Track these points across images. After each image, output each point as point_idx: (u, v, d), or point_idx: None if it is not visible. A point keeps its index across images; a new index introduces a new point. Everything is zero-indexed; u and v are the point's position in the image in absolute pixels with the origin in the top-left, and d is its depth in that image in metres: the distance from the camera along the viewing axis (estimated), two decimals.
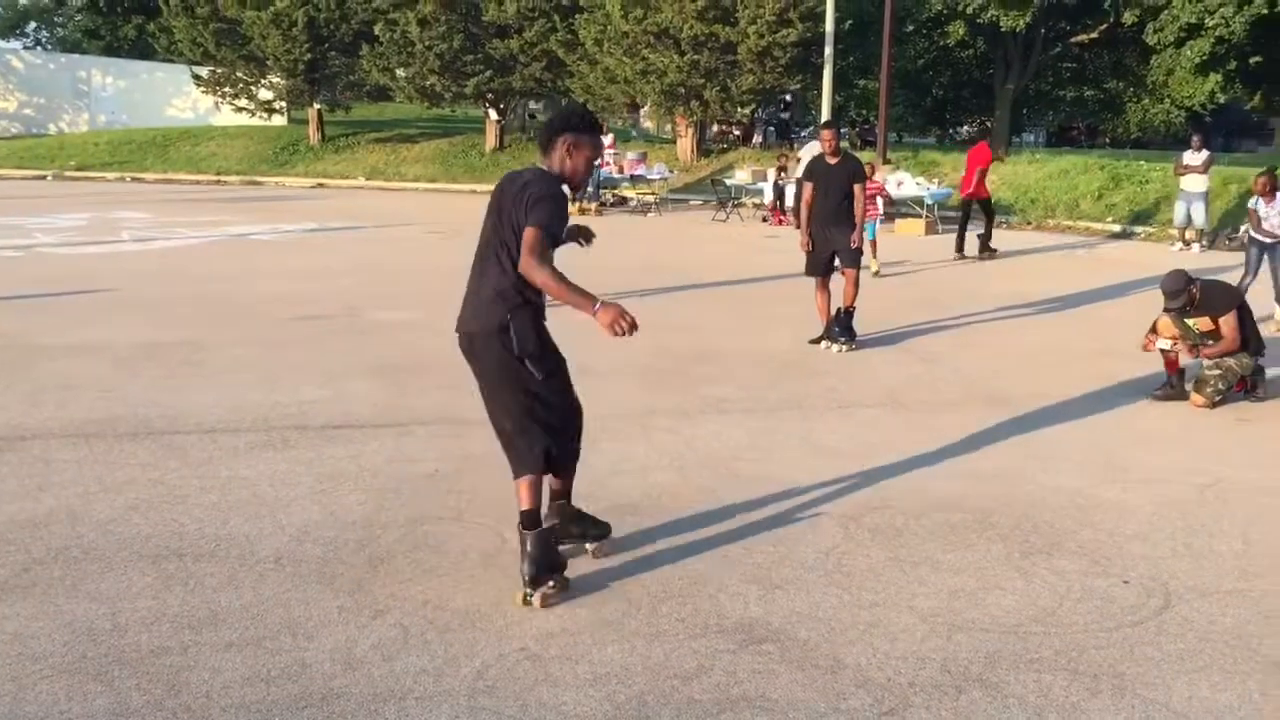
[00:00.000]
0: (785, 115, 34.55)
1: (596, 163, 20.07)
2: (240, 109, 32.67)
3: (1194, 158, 16.99)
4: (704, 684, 3.60)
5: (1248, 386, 7.49)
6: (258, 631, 3.89)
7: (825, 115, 24.69)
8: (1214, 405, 7.27)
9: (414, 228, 18.90)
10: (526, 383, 4.21)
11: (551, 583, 4.17)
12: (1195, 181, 16.89)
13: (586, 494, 4.92)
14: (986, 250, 15.72)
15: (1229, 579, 4.52)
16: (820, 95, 26.72)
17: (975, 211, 16.19)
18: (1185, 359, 7.50)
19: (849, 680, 3.64)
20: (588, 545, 4.60)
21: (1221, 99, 38.36)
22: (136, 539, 4.73)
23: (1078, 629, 4.04)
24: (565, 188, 4.28)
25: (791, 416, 7.02)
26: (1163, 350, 7.45)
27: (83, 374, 7.76)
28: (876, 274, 13.35)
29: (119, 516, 4.99)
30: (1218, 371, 7.30)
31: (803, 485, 5.60)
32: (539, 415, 4.24)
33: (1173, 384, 7.51)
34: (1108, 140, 51.29)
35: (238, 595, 4.18)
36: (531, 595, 4.13)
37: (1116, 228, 19.54)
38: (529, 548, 4.15)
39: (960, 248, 15.68)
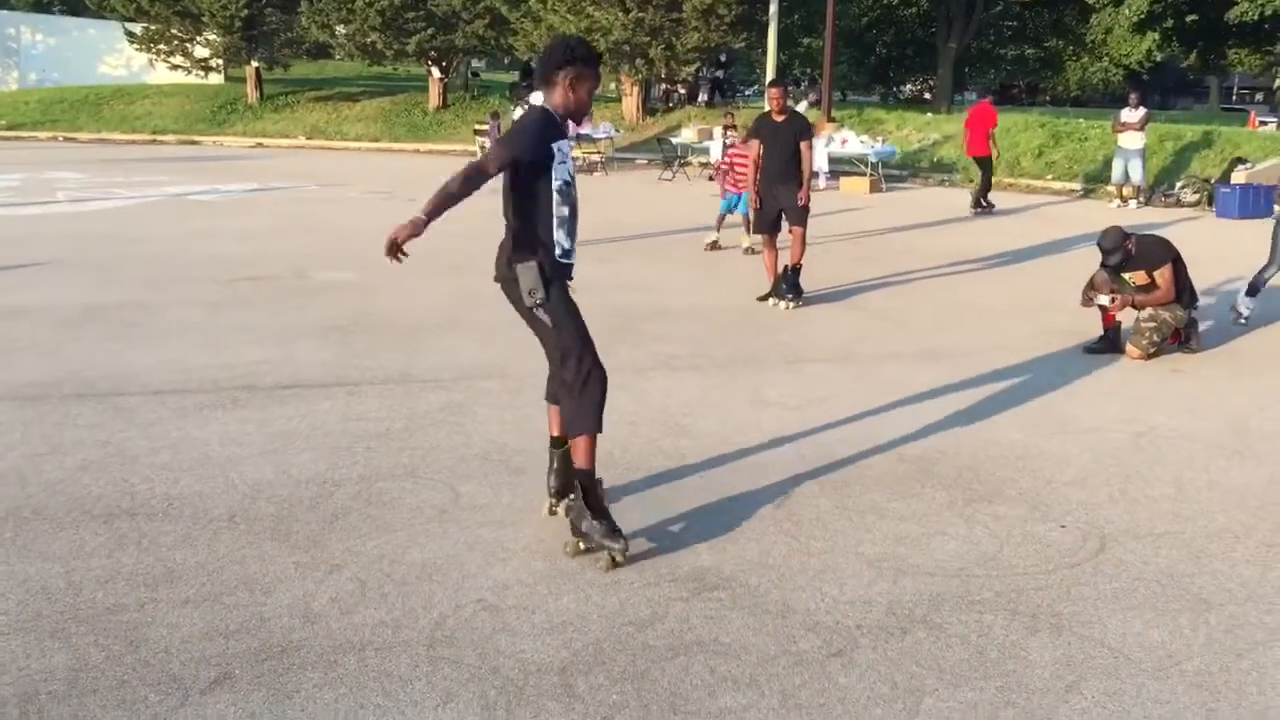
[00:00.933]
0: (720, 74, 34.48)
1: None
2: (176, 67, 32.03)
3: (1131, 115, 17.26)
4: (658, 630, 3.69)
5: (1181, 338, 7.69)
6: (214, 588, 3.91)
7: (770, 73, 24.71)
8: (1149, 357, 7.46)
9: (356, 188, 18.71)
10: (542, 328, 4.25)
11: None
12: (1132, 139, 17.17)
13: (537, 448, 4.97)
14: (981, 205, 16.40)
15: (1162, 522, 4.68)
16: (764, 53, 26.73)
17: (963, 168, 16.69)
18: (1121, 316, 7.68)
19: (798, 624, 3.75)
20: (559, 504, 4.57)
21: (1159, 57, 38.93)
22: (87, 499, 4.71)
23: (1017, 572, 4.18)
24: (558, 117, 4.24)
25: (740, 372, 7.11)
26: (1101, 306, 7.62)
27: (23, 336, 7.65)
28: (748, 250, 11.83)
29: (68, 477, 4.97)
30: (1153, 324, 7.49)
31: (752, 438, 5.69)
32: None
33: (1109, 337, 7.70)
34: (1048, 98, 51.83)
35: (193, 553, 4.20)
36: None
37: (1056, 185, 19.82)
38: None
39: (977, 203, 16.48)
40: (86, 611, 3.72)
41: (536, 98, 18.28)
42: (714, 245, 12.14)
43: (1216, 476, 5.26)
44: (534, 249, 4.19)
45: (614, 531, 4.15)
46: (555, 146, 4.17)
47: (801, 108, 18.38)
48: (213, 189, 18.03)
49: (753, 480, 5.11)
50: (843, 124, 23.31)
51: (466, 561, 4.18)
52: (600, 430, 4.24)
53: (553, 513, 4.55)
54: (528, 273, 4.15)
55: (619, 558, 4.13)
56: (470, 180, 3.99)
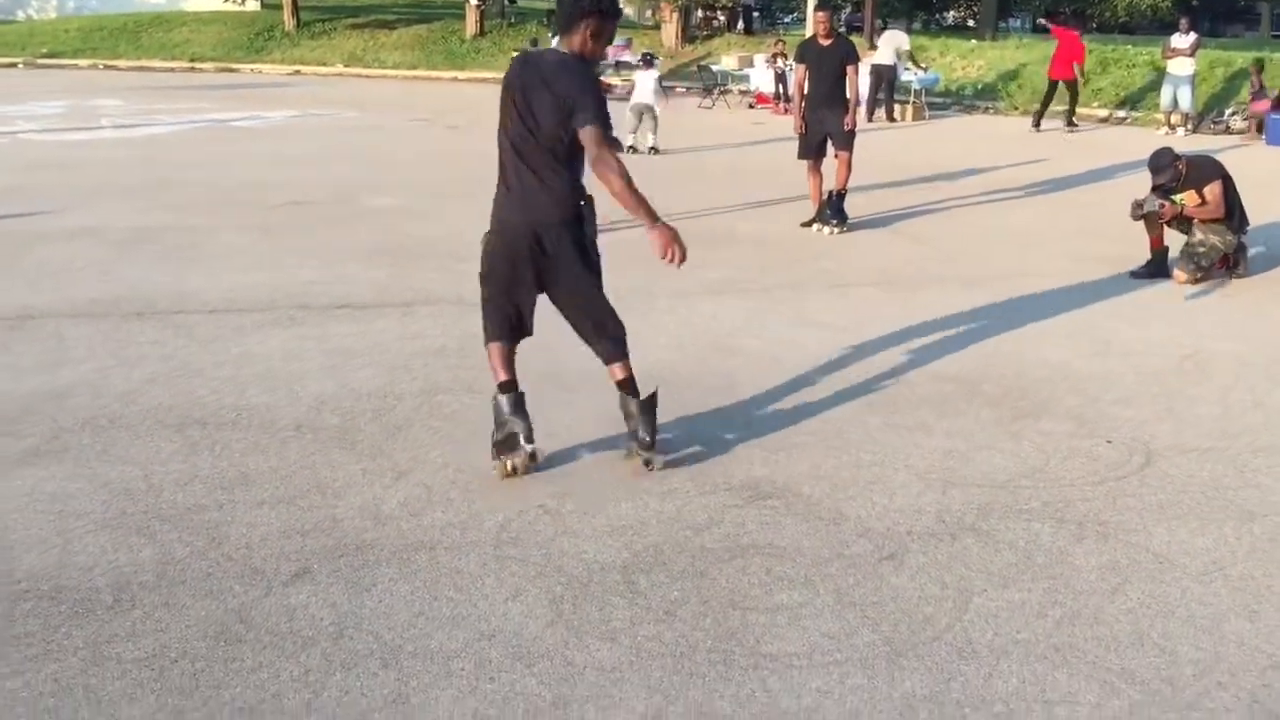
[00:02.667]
0: (749, 2, 33.96)
1: None
2: None
3: (1181, 41, 16.96)
4: (715, 534, 3.82)
5: (1230, 263, 7.67)
6: (288, 491, 4.08)
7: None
8: (1196, 281, 7.46)
9: (396, 115, 18.74)
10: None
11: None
12: (1182, 65, 16.89)
13: (589, 367, 5.06)
14: (1070, 124, 17.42)
15: (1207, 438, 4.75)
16: None
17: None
18: (1170, 230, 7.64)
19: (851, 530, 3.87)
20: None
21: None
22: (158, 409, 4.89)
23: (1064, 484, 4.28)
24: None
25: (785, 296, 7.18)
26: (1150, 213, 7.53)
27: (81, 257, 7.82)
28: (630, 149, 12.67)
29: (138, 389, 5.14)
30: (1202, 249, 7.48)
31: (798, 359, 5.78)
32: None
33: (1156, 261, 7.69)
34: (1094, 25, 50.72)
35: (264, 459, 4.36)
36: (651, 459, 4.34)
37: (1103, 112, 19.54)
38: (645, 413, 4.30)
39: (1038, 123, 17.33)
40: (168, 511, 3.89)
41: None
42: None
43: (1262, 397, 5.31)
44: (581, 188, 4.20)
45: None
46: None
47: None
48: (254, 115, 18.11)
49: (800, 398, 5.21)
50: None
51: (525, 471, 4.32)
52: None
53: (533, 459, 4.29)
54: (593, 208, 4.20)
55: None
56: (631, 181, 4.02)
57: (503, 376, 4.31)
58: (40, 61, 29.66)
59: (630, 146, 13.42)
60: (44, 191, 10.47)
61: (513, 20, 33.04)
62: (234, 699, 2.87)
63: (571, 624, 3.24)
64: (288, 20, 31.96)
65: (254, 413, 4.87)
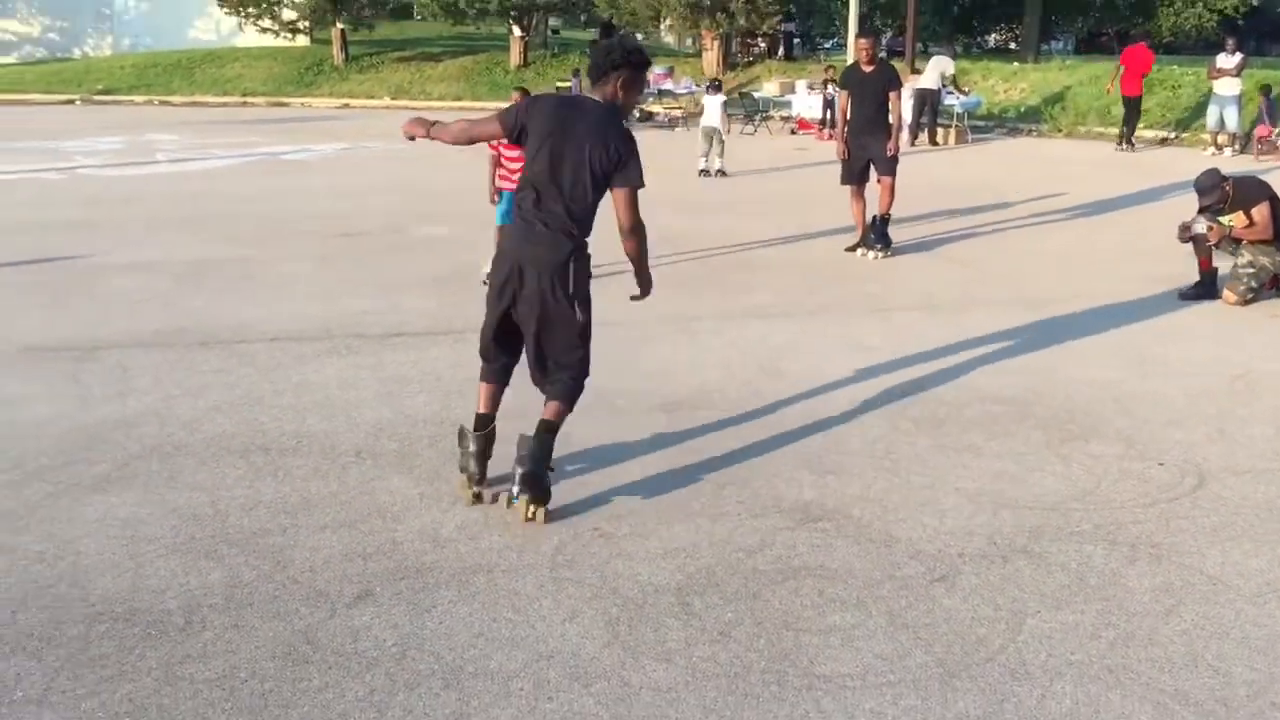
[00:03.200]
0: (792, 28, 34.02)
1: None
2: (264, 30, 32.56)
3: (1227, 61, 16.84)
4: (766, 556, 3.88)
5: (1279, 284, 7.63)
6: (349, 515, 4.18)
7: (852, 24, 24.46)
8: (1246, 303, 7.42)
9: (443, 146, 18.98)
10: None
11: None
12: (1229, 85, 16.76)
13: (638, 390, 5.16)
14: (1127, 143, 17.58)
15: (1261, 460, 4.75)
16: (845, 5, 26.42)
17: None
18: (1217, 261, 7.62)
19: (902, 552, 3.91)
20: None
21: (1255, 1, 37.62)
22: (222, 436, 5.02)
23: (1115, 506, 4.29)
24: None
25: (831, 319, 7.23)
26: (1197, 235, 7.53)
27: (142, 289, 8.03)
28: None
29: (202, 417, 5.29)
30: (1251, 270, 7.45)
31: (846, 381, 5.83)
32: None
33: (1205, 283, 7.66)
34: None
35: (325, 484, 4.48)
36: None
37: (1149, 134, 19.41)
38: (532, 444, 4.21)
39: (1130, 140, 17.63)
40: (235, 535, 4.01)
41: None
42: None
43: None
44: (586, 240, 4.26)
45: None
46: None
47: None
48: (305, 149, 18.45)
49: (849, 420, 5.26)
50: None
51: (579, 495, 4.40)
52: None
53: (478, 500, 4.31)
54: (587, 263, 4.24)
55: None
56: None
57: (480, 409, 4.47)
58: (96, 98, 30.36)
59: (702, 170, 14.38)
60: (105, 225, 10.75)
61: (555, 51, 33.41)
62: (302, 718, 2.96)
63: (628, 645, 3.31)
64: (336, 55, 32.53)
65: (314, 439, 4.99)
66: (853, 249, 9.43)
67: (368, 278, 8.48)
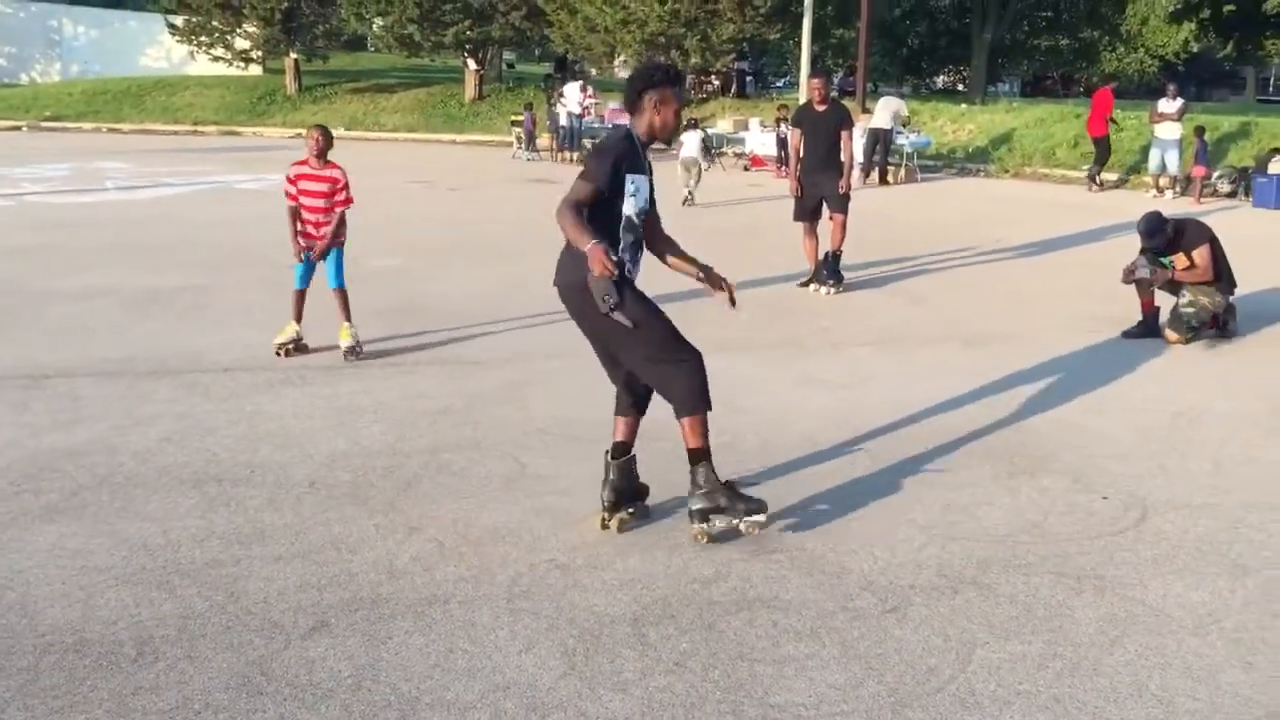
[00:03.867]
0: (744, 66, 34.47)
1: (576, 112, 20.18)
2: (216, 59, 32.42)
3: (1169, 106, 17.28)
4: (722, 588, 3.91)
5: (1219, 324, 7.83)
6: (303, 546, 4.17)
7: (805, 64, 24.85)
8: (1187, 341, 7.61)
9: (397, 177, 18.99)
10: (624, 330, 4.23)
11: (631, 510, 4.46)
12: (1170, 129, 17.20)
13: (596, 420, 5.18)
14: (1096, 181, 18.34)
15: (1201, 494, 4.86)
16: (798, 45, 26.84)
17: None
18: (1161, 292, 7.80)
19: (854, 583, 3.96)
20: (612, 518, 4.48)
21: (1195, 48, 38.69)
22: (174, 466, 4.98)
23: (1062, 538, 4.38)
24: (640, 144, 4.34)
25: (787, 354, 7.31)
26: (1141, 280, 7.72)
27: (94, 317, 7.96)
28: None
29: (153, 447, 5.24)
30: (1191, 310, 7.64)
31: (800, 416, 5.90)
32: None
33: (1148, 323, 7.84)
34: (1082, 90, 51.49)
35: (279, 515, 4.46)
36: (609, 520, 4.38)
37: (1105, 175, 19.82)
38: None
39: (1097, 178, 18.40)
40: (187, 566, 3.98)
41: (570, 89, 18.82)
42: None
43: (1253, 453, 5.43)
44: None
45: (750, 499, 4.28)
46: (630, 179, 4.22)
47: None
48: (257, 178, 18.35)
49: (804, 453, 5.32)
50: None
51: (536, 525, 4.42)
52: (709, 408, 4.28)
53: (605, 526, 4.39)
54: (600, 281, 4.06)
55: (759, 525, 4.27)
56: (576, 211, 4.03)
57: (616, 438, 4.49)
58: (44, 124, 30.01)
59: (685, 200, 15.26)
60: (54, 252, 10.63)
61: (511, 85, 33.57)
62: None
63: (584, 675, 3.33)
64: (289, 85, 32.44)
65: (268, 470, 4.97)
66: (806, 284, 9.55)
67: (320, 307, 8.42)
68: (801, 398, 6.25)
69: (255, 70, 34.09)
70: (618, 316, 4.12)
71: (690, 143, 15.90)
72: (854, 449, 5.40)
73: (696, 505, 4.27)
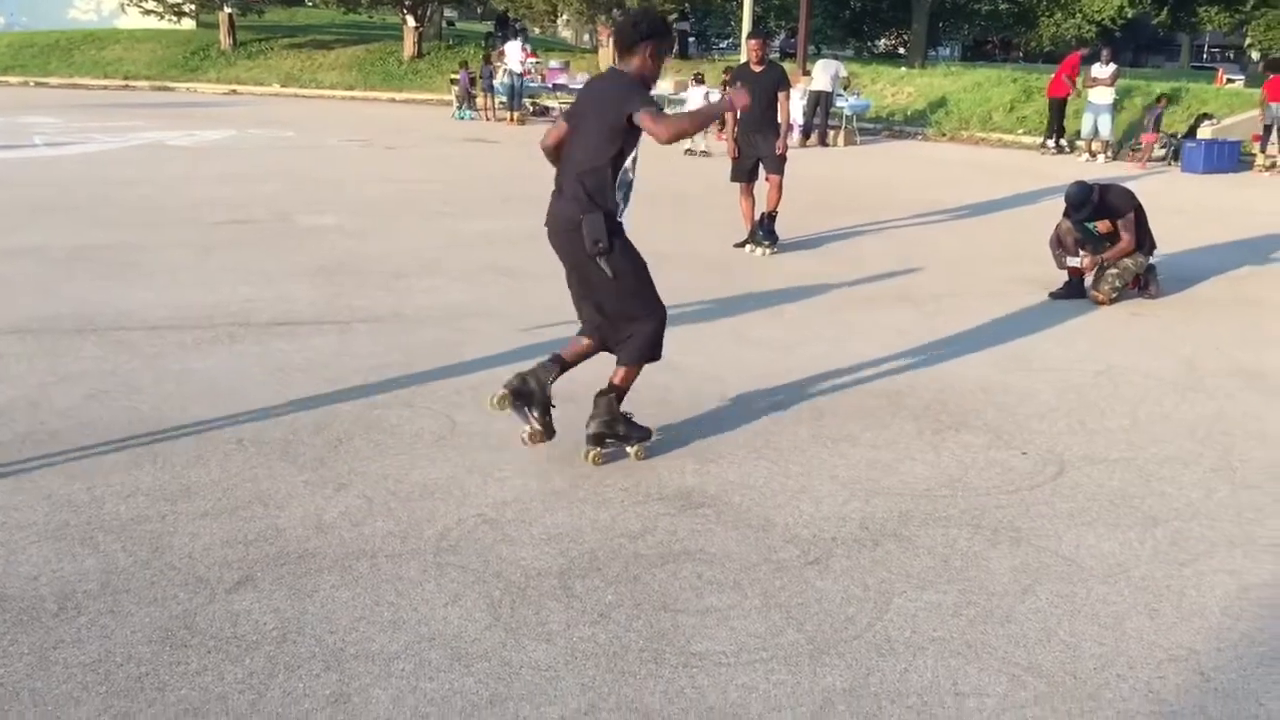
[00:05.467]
0: (685, 25, 34.41)
1: (518, 71, 20.10)
2: (148, 12, 31.69)
3: (1102, 71, 17.54)
4: (648, 541, 3.97)
5: (1141, 284, 8.02)
6: (230, 502, 4.16)
7: (746, 25, 24.80)
8: (1111, 302, 7.78)
9: (334, 136, 18.75)
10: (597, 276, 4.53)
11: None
12: (1103, 94, 17.47)
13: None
14: (1052, 143, 18.60)
15: (1116, 450, 5.00)
16: (740, 6, 26.77)
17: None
18: (1089, 269, 7.97)
19: (779, 536, 4.04)
20: (628, 448, 4.74)
21: (1130, 14, 39.14)
22: (99, 424, 4.93)
23: (981, 493, 4.49)
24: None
25: (720, 314, 7.37)
26: (1072, 267, 7.92)
27: (18, 274, 7.80)
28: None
29: (78, 405, 5.18)
30: (1115, 270, 7.81)
31: (732, 375, 5.96)
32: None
33: (1073, 283, 8.00)
34: (1021, 54, 51.99)
35: (206, 471, 4.43)
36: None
37: (1027, 139, 20.09)
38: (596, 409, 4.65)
39: (1055, 140, 18.66)
40: (111, 522, 3.96)
41: (512, 48, 18.64)
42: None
43: (1169, 410, 5.59)
44: (602, 203, 4.44)
45: (640, 428, 4.73)
46: None
47: None
48: (190, 134, 18.04)
49: (735, 411, 5.39)
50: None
51: (466, 481, 4.44)
52: (656, 360, 4.71)
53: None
54: (595, 223, 4.39)
55: (643, 449, 4.67)
56: (678, 120, 4.48)
57: (563, 350, 4.74)
58: None
59: (687, 149, 16.83)
60: None
61: (451, 43, 33.18)
62: (179, 700, 2.95)
63: (509, 626, 3.37)
64: (224, 40, 31.81)
65: (195, 427, 4.93)
66: (742, 245, 9.61)
67: (254, 265, 8.36)
68: (734, 356, 6.32)
69: (188, 24, 33.37)
70: (601, 262, 4.44)
71: (694, 99, 17.88)
72: (782, 407, 5.47)
73: (593, 430, 4.62)
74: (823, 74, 19.55)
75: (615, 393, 4.67)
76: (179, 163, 14.65)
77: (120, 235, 9.34)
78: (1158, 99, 18.03)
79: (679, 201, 12.19)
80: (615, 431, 4.66)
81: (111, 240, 9.11)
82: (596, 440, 4.63)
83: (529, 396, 4.60)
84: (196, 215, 10.45)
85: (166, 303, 7.12)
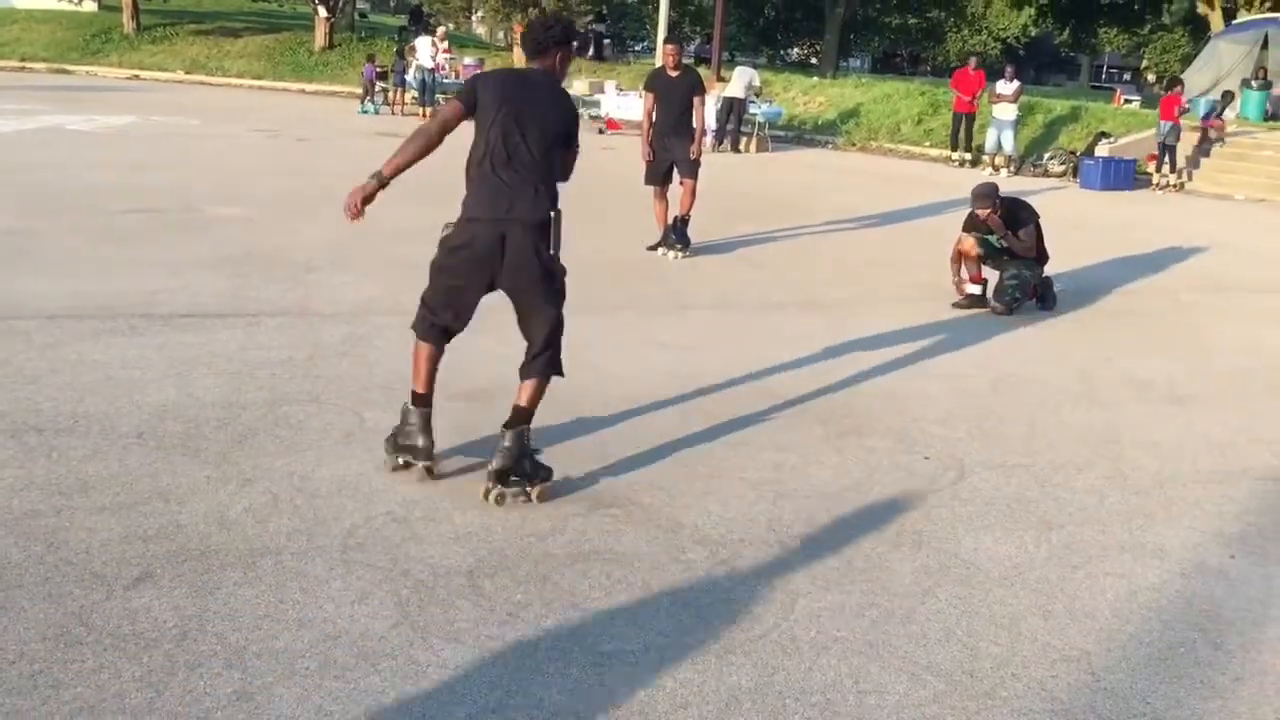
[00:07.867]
0: (600, 27, 34.51)
1: (428, 66, 19.99)
2: None
3: (1006, 87, 18.00)
4: (558, 540, 3.98)
5: (1038, 295, 8.28)
6: (129, 498, 4.06)
7: (662, 29, 24.93)
8: (1010, 312, 8.01)
9: (241, 124, 18.37)
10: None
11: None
12: (1006, 110, 17.93)
13: (438, 378, 5.16)
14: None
15: (1013, 456, 5.15)
16: (656, 10, 26.89)
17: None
18: (987, 267, 8.19)
19: (687, 537, 4.08)
20: (529, 488, 4.36)
21: (1034, 31, 40.27)
22: None
23: (884, 496, 4.59)
24: None
25: (631, 317, 7.41)
26: (972, 295, 8.13)
27: None
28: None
29: None
30: (1015, 282, 8.04)
31: (641, 377, 6.00)
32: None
33: (973, 295, 8.21)
34: (929, 68, 53.09)
35: (104, 466, 4.32)
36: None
37: (933, 151, 20.53)
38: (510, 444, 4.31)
39: (965, 148, 18.94)
40: (4, 516, 3.83)
41: (423, 42, 18.58)
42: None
43: (1065, 418, 5.77)
44: (556, 203, 4.39)
45: (543, 467, 4.41)
46: None
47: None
48: (91, 119, 17.51)
49: (643, 413, 5.42)
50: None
51: (373, 479, 4.40)
52: (562, 374, 4.56)
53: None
54: (560, 222, 4.35)
55: (546, 489, 4.34)
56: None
57: (419, 389, 4.43)
58: None
59: None
60: None
61: (363, 35, 32.74)
62: (74, 698, 2.88)
63: (417, 625, 3.35)
64: (127, 23, 30.96)
65: (93, 420, 4.80)
66: (654, 248, 9.65)
67: (157, 256, 8.16)
68: (644, 358, 6.35)
69: (90, 6, 32.41)
70: (551, 262, 4.37)
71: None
72: (693, 409, 5.52)
73: (498, 465, 4.28)
74: (738, 81, 19.75)
75: (525, 423, 4.36)
76: (79, 148, 14.22)
77: (15, 221, 9.04)
78: (1098, 136, 18.53)
79: (592, 203, 12.18)
80: (521, 469, 4.30)
81: (7, 225, 8.81)
82: (500, 477, 4.25)
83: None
84: (97, 202, 10.15)
85: (64, 291, 6.92)
